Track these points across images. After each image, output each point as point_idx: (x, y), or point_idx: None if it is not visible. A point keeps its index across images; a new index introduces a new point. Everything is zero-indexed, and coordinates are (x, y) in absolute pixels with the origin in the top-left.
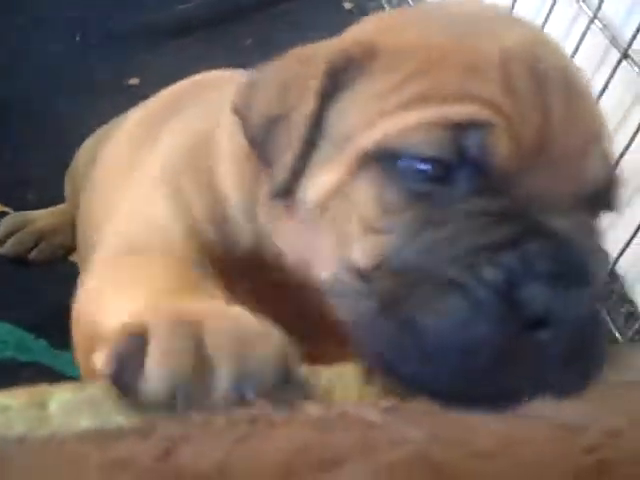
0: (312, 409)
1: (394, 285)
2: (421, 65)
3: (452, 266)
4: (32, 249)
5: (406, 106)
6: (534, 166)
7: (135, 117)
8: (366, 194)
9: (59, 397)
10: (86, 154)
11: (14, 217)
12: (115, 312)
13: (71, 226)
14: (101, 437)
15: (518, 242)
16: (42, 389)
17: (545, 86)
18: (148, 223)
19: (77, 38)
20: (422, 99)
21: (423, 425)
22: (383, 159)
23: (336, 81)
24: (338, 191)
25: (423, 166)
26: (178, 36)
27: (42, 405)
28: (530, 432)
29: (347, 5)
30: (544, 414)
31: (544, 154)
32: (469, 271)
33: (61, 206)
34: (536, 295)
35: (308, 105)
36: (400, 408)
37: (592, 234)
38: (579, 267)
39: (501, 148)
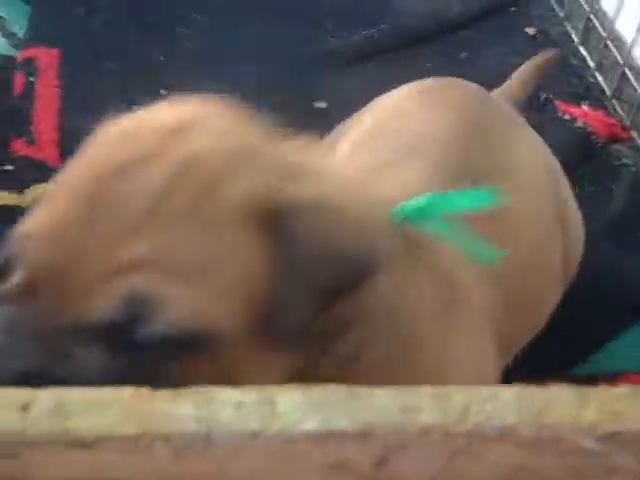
0: (524, 430)
1: None
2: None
3: None
4: None
5: None
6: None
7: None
8: None
9: (288, 397)
10: None
11: None
12: None
13: None
14: (324, 439)
15: None
16: (272, 388)
17: (94, 211)
18: None
19: (275, 65)
20: None
21: (638, 453)
22: None
23: None
24: None
25: None
26: (362, 61)
27: (272, 403)
28: None
29: (530, 31)
30: None
31: (54, 280)
32: None
33: None
34: None
35: None
36: (616, 436)
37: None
38: None
39: (28, 258)
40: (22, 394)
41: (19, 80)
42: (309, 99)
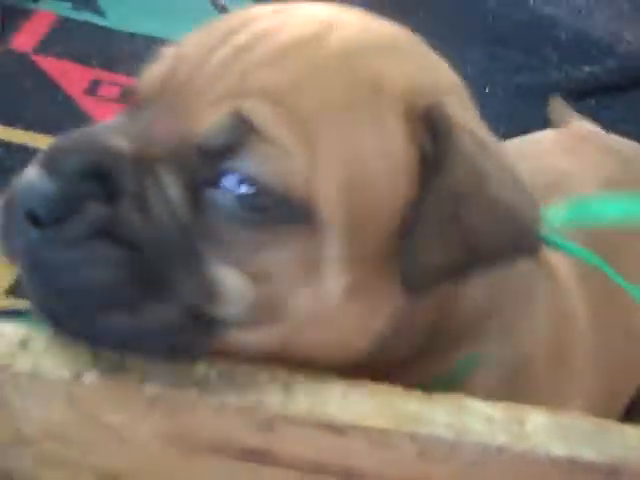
0: None
1: None
2: None
3: None
4: None
5: None
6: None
7: None
8: None
9: (535, 418)
10: None
11: None
12: None
13: None
14: (570, 467)
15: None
16: (520, 407)
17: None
18: None
19: (486, 89)
20: None
21: None
22: None
23: None
24: None
25: None
26: (583, 97)
27: (521, 423)
28: None
29: None
30: None
31: (172, 93)
32: None
33: None
34: None
35: None
36: None
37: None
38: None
39: (144, 73)
40: (284, 375)
41: None
42: (525, 129)
